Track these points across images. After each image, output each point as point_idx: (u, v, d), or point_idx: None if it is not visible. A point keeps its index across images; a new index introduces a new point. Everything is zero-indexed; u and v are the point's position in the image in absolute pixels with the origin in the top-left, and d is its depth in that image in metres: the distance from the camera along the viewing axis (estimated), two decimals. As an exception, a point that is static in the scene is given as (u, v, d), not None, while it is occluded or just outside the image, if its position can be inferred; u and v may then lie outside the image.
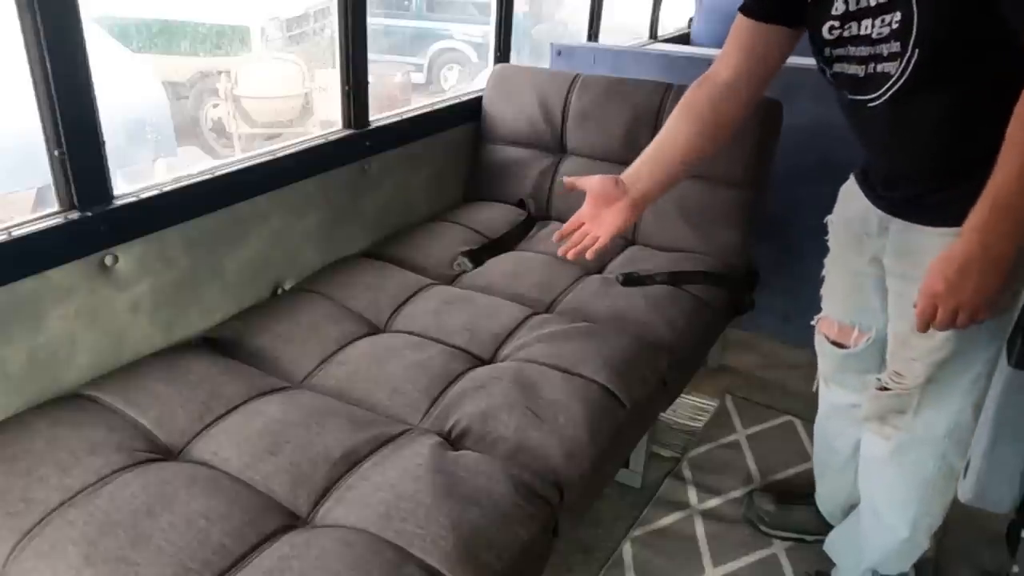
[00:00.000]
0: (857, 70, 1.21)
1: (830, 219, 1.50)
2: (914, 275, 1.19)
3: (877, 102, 1.20)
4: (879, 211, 1.34)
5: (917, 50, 1.11)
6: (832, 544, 1.70)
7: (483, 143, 2.46)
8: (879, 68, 1.17)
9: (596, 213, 1.44)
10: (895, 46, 1.13)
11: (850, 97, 1.27)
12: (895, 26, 1.12)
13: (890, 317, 1.37)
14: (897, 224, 1.30)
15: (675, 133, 1.46)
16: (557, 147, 2.40)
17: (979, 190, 1.07)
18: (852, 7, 1.18)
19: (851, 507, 1.66)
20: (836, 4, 1.19)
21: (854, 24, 1.19)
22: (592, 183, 1.44)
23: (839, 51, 1.23)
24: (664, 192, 1.48)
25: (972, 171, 1.08)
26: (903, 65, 1.13)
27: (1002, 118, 1.04)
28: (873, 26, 1.16)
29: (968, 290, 1.09)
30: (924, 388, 1.31)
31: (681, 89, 2.21)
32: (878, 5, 1.14)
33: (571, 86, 2.35)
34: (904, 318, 1.28)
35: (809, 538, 1.79)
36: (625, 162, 2.24)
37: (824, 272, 1.55)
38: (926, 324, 1.15)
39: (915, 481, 1.42)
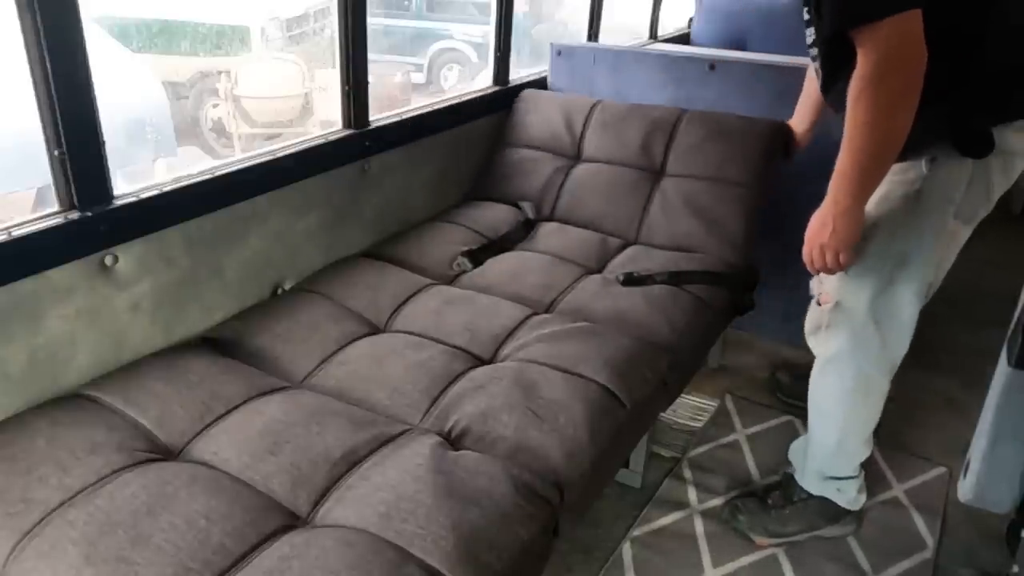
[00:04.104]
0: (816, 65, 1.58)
1: None
2: None
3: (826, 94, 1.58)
4: None
5: (820, 58, 1.51)
6: (793, 451, 1.93)
7: (505, 147, 2.51)
8: (816, 67, 1.56)
9: None
10: (814, 51, 1.54)
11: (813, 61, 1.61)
12: (811, 38, 1.52)
13: None
14: None
15: (809, 87, 2.06)
16: (574, 154, 2.46)
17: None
18: (804, 17, 1.52)
19: None
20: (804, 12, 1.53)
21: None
22: None
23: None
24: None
25: None
26: (819, 65, 1.53)
27: None
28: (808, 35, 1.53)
29: (826, 235, 1.48)
30: (832, 311, 1.63)
31: (694, 115, 2.36)
32: (807, 20, 1.51)
33: (592, 108, 2.46)
34: None
35: None
36: (640, 167, 2.35)
37: None
38: (810, 263, 1.56)
39: (839, 393, 1.70)
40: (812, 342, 1.73)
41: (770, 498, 1.87)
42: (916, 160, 1.48)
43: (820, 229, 1.49)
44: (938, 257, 1.59)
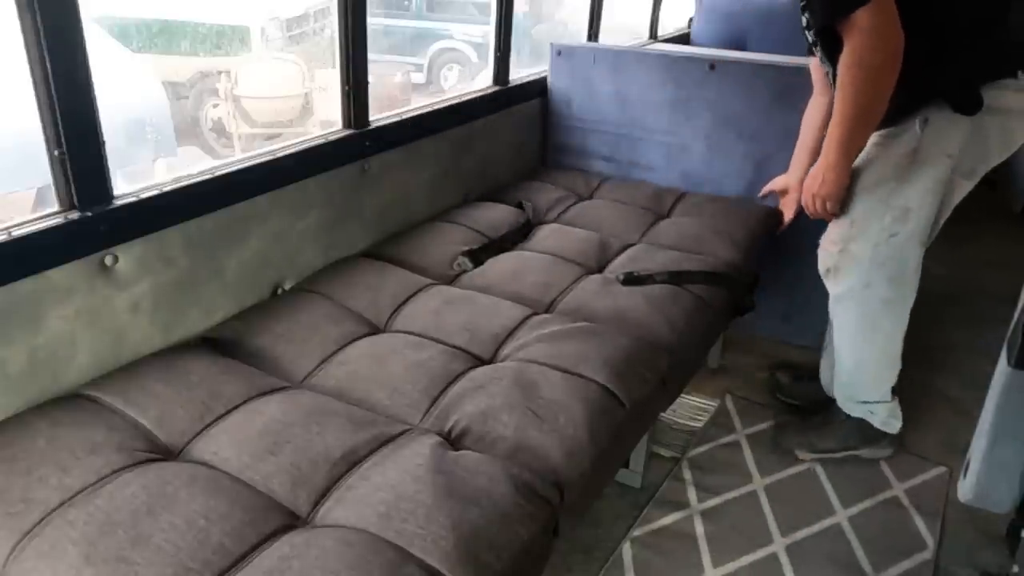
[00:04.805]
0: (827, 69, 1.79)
1: None
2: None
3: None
4: None
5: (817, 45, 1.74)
6: (830, 385, 2.16)
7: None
8: (815, 51, 1.80)
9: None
10: (811, 35, 1.75)
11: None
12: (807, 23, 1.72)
13: None
14: None
15: (806, 135, 2.13)
16: (587, 195, 2.59)
17: (882, 127, 1.71)
18: (802, 23, 1.74)
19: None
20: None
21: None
22: (777, 184, 2.27)
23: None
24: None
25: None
26: (828, 68, 1.75)
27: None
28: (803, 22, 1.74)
29: (817, 186, 1.78)
30: (841, 246, 1.85)
31: (687, 195, 2.53)
32: (811, 45, 1.80)
33: (600, 183, 2.65)
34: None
35: (811, 407, 2.23)
36: (650, 209, 2.46)
37: None
38: (806, 209, 1.85)
39: (848, 326, 1.96)
40: (826, 282, 1.97)
41: (813, 418, 2.15)
42: (909, 123, 1.69)
43: (813, 181, 1.79)
44: (938, 208, 1.77)
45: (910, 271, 1.83)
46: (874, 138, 1.76)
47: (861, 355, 1.97)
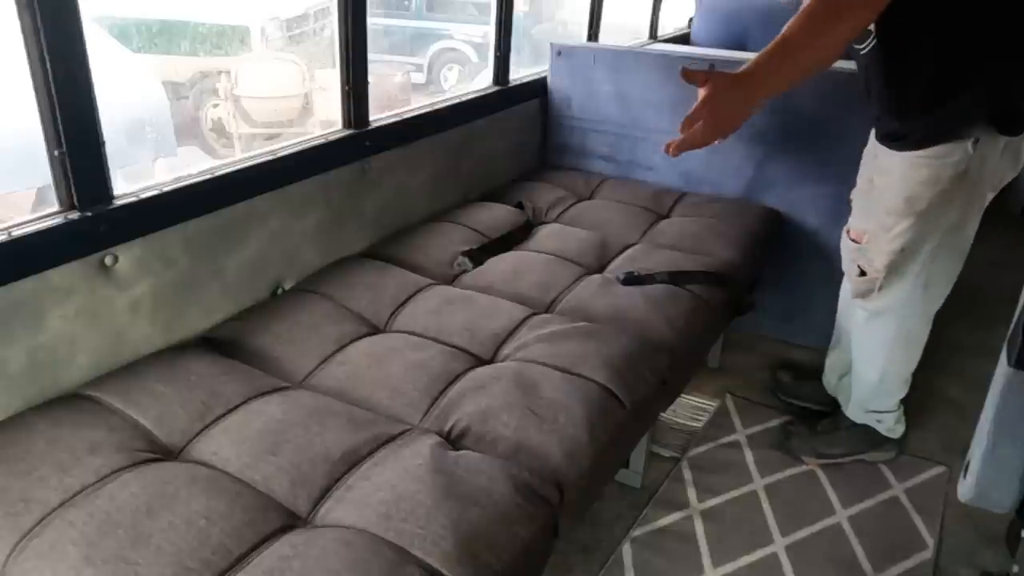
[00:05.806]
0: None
1: (866, 148, 1.95)
2: (881, 186, 1.79)
3: (863, 51, 1.68)
4: (875, 139, 1.81)
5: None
6: (841, 387, 2.17)
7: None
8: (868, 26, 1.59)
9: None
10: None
11: (853, 44, 1.70)
12: None
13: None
14: (880, 149, 1.77)
15: None
16: (587, 195, 2.58)
17: (919, 128, 1.65)
18: None
19: (844, 376, 2.14)
20: None
21: None
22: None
23: None
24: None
25: (914, 115, 1.66)
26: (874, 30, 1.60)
27: (925, 81, 1.60)
28: None
29: (716, 115, 1.35)
30: (886, 273, 1.82)
31: (687, 195, 2.52)
32: None
33: (600, 183, 2.65)
34: (871, 220, 1.84)
35: (813, 407, 2.27)
36: (649, 209, 2.44)
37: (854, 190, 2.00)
38: (688, 127, 1.36)
39: (881, 341, 1.95)
40: (860, 302, 1.94)
41: (819, 425, 2.15)
42: (960, 142, 1.64)
43: (728, 112, 1.38)
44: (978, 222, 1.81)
45: (950, 283, 1.86)
46: (923, 158, 1.67)
47: (889, 368, 1.97)
